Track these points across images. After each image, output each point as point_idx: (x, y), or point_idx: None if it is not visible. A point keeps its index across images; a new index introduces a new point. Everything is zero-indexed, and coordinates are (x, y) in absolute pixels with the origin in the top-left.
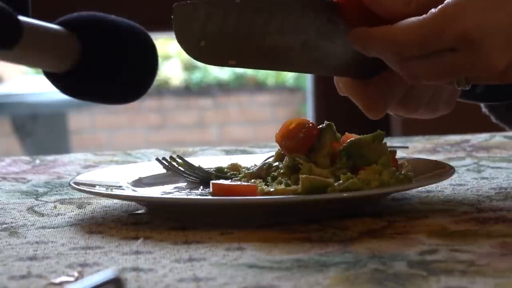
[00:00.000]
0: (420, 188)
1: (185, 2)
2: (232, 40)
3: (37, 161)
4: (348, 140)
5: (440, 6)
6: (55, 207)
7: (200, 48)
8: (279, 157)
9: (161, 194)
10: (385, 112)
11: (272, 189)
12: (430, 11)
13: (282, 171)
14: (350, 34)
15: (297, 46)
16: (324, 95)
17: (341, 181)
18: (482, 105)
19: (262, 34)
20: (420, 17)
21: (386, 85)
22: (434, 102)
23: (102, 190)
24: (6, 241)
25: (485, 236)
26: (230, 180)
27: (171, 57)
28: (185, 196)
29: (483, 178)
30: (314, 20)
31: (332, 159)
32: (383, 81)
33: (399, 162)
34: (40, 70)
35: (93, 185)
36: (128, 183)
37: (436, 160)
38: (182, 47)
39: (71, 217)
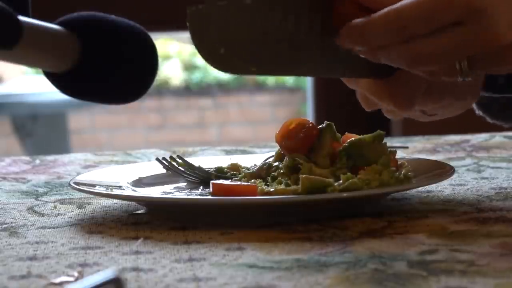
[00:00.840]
0: (420, 188)
1: (199, 6)
2: (249, 44)
3: (37, 161)
4: (348, 140)
5: None
6: (55, 207)
7: (220, 56)
8: (279, 157)
9: (161, 194)
10: (415, 106)
11: (272, 189)
12: None
13: (282, 171)
14: (342, 31)
15: (314, 47)
16: (324, 95)
17: (341, 181)
18: (475, 107)
19: (277, 35)
20: None
21: (408, 78)
22: (459, 90)
23: (102, 190)
24: (6, 241)
25: (485, 236)
26: (230, 180)
27: (171, 57)
28: (185, 196)
29: (483, 178)
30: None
31: (332, 159)
32: (404, 75)
33: (399, 162)
34: (40, 70)
35: (93, 185)
36: (128, 183)
37: (436, 160)
38: (201, 56)
39: (71, 217)
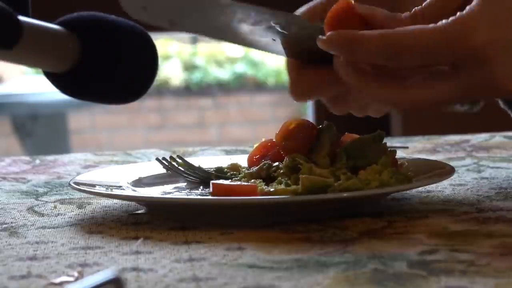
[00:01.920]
0: (420, 188)
1: None
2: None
3: (37, 161)
4: (348, 140)
5: (453, 18)
6: (55, 207)
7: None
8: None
9: (161, 194)
10: (306, 100)
11: (272, 189)
12: (440, 21)
13: (282, 171)
14: (330, 35)
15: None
16: None
17: (341, 181)
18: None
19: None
20: (430, 25)
21: (321, 80)
22: (364, 108)
23: (102, 190)
24: (6, 241)
25: (485, 236)
26: (230, 180)
27: (171, 57)
28: (185, 196)
29: (483, 178)
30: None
31: (332, 159)
32: (320, 76)
33: (399, 162)
34: (40, 70)
35: (93, 185)
36: (128, 183)
37: (436, 160)
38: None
39: (71, 217)
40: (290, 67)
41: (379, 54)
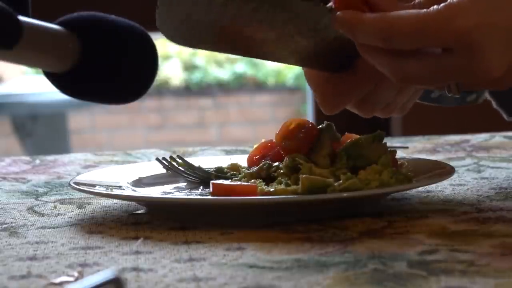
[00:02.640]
0: (420, 188)
1: None
2: (211, 27)
3: (37, 161)
4: (348, 140)
5: (444, 3)
6: (55, 207)
7: (177, 30)
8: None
9: (161, 194)
10: (339, 110)
11: (272, 189)
12: (432, 7)
13: (282, 171)
14: (338, 16)
15: (272, 38)
16: None
17: (341, 181)
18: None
19: (243, 24)
20: (422, 10)
21: (346, 85)
22: (390, 107)
23: (102, 190)
24: (6, 241)
25: (485, 236)
26: (230, 180)
27: (171, 57)
28: (185, 196)
29: (483, 178)
30: (295, 15)
31: (332, 159)
32: (344, 81)
33: (399, 162)
34: (40, 70)
35: (93, 185)
36: (128, 183)
37: (436, 160)
38: (160, 30)
39: (71, 217)
40: (314, 83)
41: (375, 37)
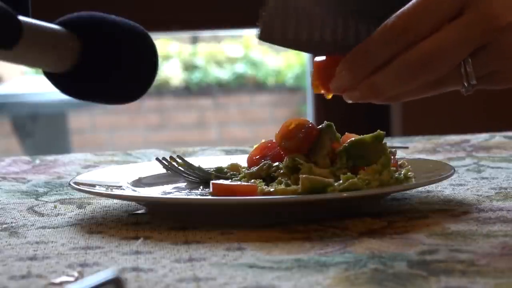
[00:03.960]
0: (420, 188)
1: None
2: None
3: (37, 161)
4: (348, 140)
5: None
6: (55, 207)
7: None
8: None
9: (161, 194)
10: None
11: (272, 189)
12: None
13: (282, 171)
14: (346, 58)
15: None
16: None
17: (341, 181)
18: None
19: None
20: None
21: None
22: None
23: (102, 190)
24: (6, 241)
25: (485, 236)
26: (230, 180)
27: (171, 57)
28: (185, 196)
29: (483, 178)
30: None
31: (332, 159)
32: None
33: (399, 162)
34: (40, 70)
35: (93, 185)
36: (128, 183)
37: (436, 160)
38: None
39: (71, 217)
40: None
41: (392, 42)
